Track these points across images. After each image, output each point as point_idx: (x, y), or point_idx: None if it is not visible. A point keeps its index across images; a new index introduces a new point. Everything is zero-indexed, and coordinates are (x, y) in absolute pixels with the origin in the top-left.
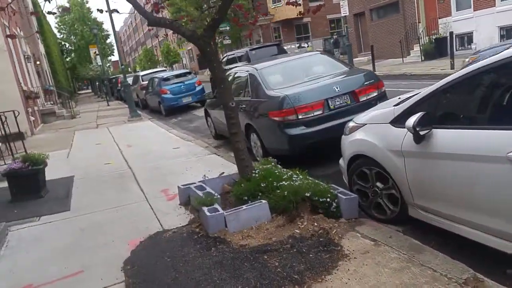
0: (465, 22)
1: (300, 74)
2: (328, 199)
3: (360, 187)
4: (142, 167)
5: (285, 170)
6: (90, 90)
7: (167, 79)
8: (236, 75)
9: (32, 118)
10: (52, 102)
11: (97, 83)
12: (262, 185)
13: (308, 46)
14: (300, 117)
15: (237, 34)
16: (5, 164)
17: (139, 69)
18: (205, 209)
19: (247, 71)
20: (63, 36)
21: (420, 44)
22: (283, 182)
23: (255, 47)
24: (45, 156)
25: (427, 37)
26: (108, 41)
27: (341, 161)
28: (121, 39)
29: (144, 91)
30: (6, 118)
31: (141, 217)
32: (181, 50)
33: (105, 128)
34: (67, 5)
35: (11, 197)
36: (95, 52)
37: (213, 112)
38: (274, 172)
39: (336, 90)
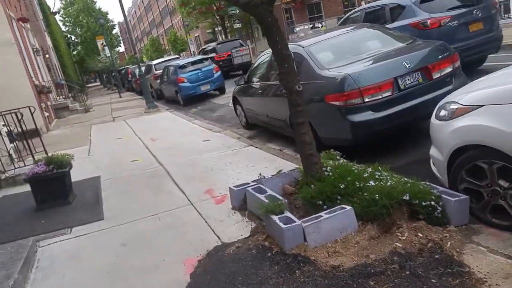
0: None
1: (355, 50)
2: (432, 202)
3: (471, 186)
4: (174, 164)
5: (361, 166)
6: (98, 83)
7: (183, 66)
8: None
9: (46, 114)
10: (64, 96)
11: (104, 76)
12: (341, 186)
13: (322, 26)
14: (366, 100)
15: (247, 17)
16: (25, 165)
17: (146, 59)
18: (275, 218)
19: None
20: (68, 29)
21: None
22: (371, 181)
23: (220, 41)
24: (70, 156)
25: None
26: (114, 31)
27: (434, 152)
28: (125, 29)
29: (158, 81)
30: (22, 115)
31: (190, 227)
32: (189, 38)
33: (122, 121)
34: None
35: (36, 204)
36: (103, 43)
37: (244, 99)
38: (352, 170)
39: (407, 66)
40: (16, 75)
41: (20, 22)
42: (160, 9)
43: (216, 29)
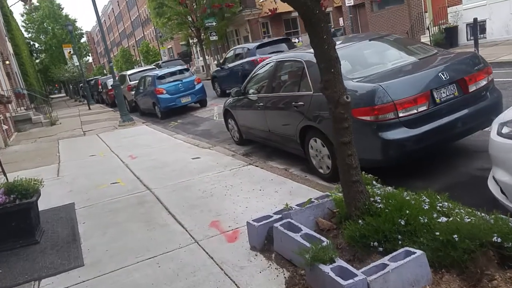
0: (477, 10)
1: (376, 60)
2: None
3: None
4: (164, 187)
5: (413, 193)
6: (63, 94)
7: (162, 77)
8: (279, 65)
9: (5, 127)
10: (25, 107)
11: (71, 86)
12: (401, 222)
13: (298, 42)
14: (400, 115)
15: (223, 30)
16: None
17: (116, 70)
18: (326, 270)
19: (300, 58)
20: (31, 35)
21: (430, 34)
22: (441, 217)
23: (165, 61)
24: (37, 182)
25: (436, 27)
26: (82, 40)
27: (503, 176)
28: (94, 40)
29: (132, 92)
30: None
31: (202, 276)
32: (162, 49)
33: (94, 135)
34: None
35: None
36: (70, 51)
37: (239, 112)
38: (407, 200)
39: (443, 78)
40: None
41: None
42: (132, 20)
43: (191, 41)
